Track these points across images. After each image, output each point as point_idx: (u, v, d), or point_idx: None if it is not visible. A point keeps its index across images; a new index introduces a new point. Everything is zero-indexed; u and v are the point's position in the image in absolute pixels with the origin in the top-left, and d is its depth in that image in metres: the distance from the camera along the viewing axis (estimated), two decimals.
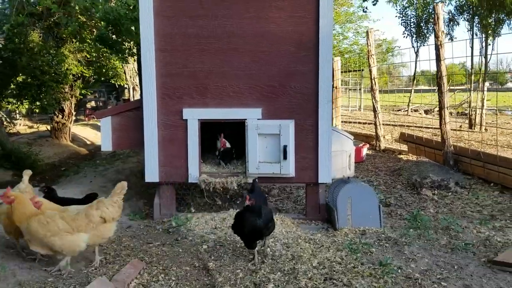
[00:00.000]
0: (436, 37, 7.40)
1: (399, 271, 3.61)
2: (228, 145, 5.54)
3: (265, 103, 4.95)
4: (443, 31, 7.46)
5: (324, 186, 5.23)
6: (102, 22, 8.43)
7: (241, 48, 4.89)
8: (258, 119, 4.93)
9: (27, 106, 12.98)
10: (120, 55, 9.25)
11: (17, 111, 19.97)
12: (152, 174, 5.09)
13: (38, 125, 18.78)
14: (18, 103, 13.29)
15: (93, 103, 28.56)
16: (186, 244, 4.29)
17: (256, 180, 4.53)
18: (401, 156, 9.51)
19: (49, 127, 15.95)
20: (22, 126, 20.09)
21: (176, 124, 5.01)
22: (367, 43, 10.27)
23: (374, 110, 10.28)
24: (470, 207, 5.88)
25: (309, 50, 4.87)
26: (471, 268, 3.70)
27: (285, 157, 4.83)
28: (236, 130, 5.44)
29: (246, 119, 4.92)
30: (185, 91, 4.97)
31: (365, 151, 9.21)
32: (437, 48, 7.43)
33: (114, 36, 8.62)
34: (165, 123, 5.01)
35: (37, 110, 16.38)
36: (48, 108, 13.26)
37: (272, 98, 4.94)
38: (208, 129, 5.47)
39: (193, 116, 4.99)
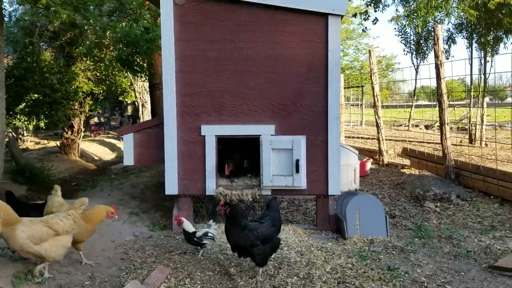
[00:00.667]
0: (436, 56, 7.78)
1: (406, 275, 3.91)
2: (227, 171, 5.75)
3: (278, 120, 5.30)
4: (442, 51, 7.85)
5: (333, 198, 5.54)
6: (120, 43, 8.82)
7: (255, 70, 5.25)
8: (272, 135, 5.27)
9: (42, 124, 13.33)
10: (139, 74, 9.62)
11: (24, 128, 20.37)
12: (171, 187, 5.41)
13: (47, 141, 19.12)
14: (30, 120, 13.65)
15: (96, 119, 28.93)
16: (206, 252, 4.59)
17: (277, 198, 4.54)
18: (404, 170, 9.83)
19: (57, 143, 16.29)
20: (29, 142, 20.45)
21: (195, 140, 5.35)
22: (369, 61, 10.67)
23: (377, 126, 10.62)
24: (471, 218, 6.18)
25: (319, 71, 5.23)
26: (473, 273, 4.00)
27: (297, 171, 5.16)
28: (250, 145, 5.76)
29: (260, 135, 5.26)
30: (203, 109, 5.32)
31: (369, 165, 9.53)
32: (437, 67, 7.80)
33: (132, 56, 9.01)
34: (184, 139, 5.35)
35: (43, 126, 16.76)
36: (59, 124, 13.63)
37: (285, 116, 5.29)
38: (225, 144, 5.80)
39: (211, 132, 5.33)
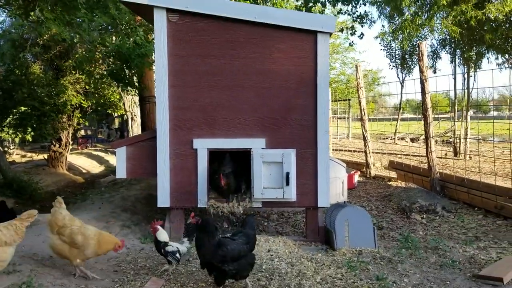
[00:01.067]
0: (421, 72, 8.02)
1: (394, 285, 4.03)
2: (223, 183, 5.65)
3: (268, 134, 5.43)
4: (427, 66, 8.09)
5: (323, 210, 5.66)
6: (111, 57, 8.93)
7: (246, 85, 5.39)
8: (263, 148, 5.39)
9: (29, 137, 13.26)
10: (129, 87, 9.71)
11: (10, 140, 20.21)
12: (164, 199, 5.48)
13: (35, 154, 18.99)
14: (18, 133, 13.60)
15: (83, 132, 28.80)
16: (198, 263, 4.65)
17: (254, 216, 4.49)
18: (391, 182, 10.01)
19: (44, 156, 16.23)
20: (15, 155, 20.27)
21: (187, 153, 5.45)
22: (356, 76, 10.91)
23: (364, 139, 10.82)
24: (456, 229, 6.34)
25: (308, 86, 5.39)
26: (458, 282, 4.13)
27: (287, 183, 5.27)
28: (240, 158, 5.87)
29: (251, 148, 5.37)
30: (195, 123, 5.43)
31: (356, 177, 9.69)
32: (422, 82, 8.04)
33: (123, 70, 9.11)
34: (176, 152, 5.45)
35: (30, 139, 16.68)
36: (47, 137, 13.61)
37: (275, 129, 5.43)
38: (216, 157, 5.89)
39: (202, 145, 5.44)
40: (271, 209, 7.28)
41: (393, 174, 10.40)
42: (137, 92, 11.01)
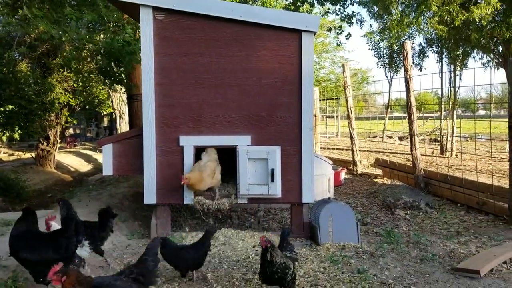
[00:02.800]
0: (406, 71, 8.15)
1: (375, 278, 4.13)
2: None
3: (254, 131, 5.50)
4: (411, 65, 8.22)
5: (307, 206, 5.75)
6: (99, 55, 8.93)
7: (232, 82, 5.46)
8: (248, 145, 5.47)
9: (17, 135, 13.18)
10: (119, 85, 9.71)
11: None
12: (150, 196, 5.54)
13: (22, 152, 18.87)
14: (5, 131, 13.52)
15: (71, 131, 28.65)
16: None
17: (166, 239, 4.13)
18: (377, 180, 10.14)
19: (32, 155, 16.15)
20: (2, 154, 20.13)
21: (173, 150, 5.50)
22: (344, 75, 11.02)
23: (351, 137, 10.95)
24: (438, 225, 6.47)
25: (293, 84, 5.47)
26: (437, 275, 4.25)
27: (272, 180, 5.35)
28: (226, 156, 5.94)
29: (237, 145, 5.45)
30: (181, 120, 5.49)
31: (343, 175, 9.81)
32: (407, 81, 8.16)
33: (112, 67, 9.11)
34: (162, 149, 5.50)
35: (17, 138, 16.56)
36: (35, 136, 13.55)
37: (261, 127, 5.50)
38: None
39: (189, 143, 5.49)
40: (258, 206, 7.36)
41: (379, 171, 10.53)
42: (123, 89, 11.01)
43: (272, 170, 5.37)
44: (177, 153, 5.51)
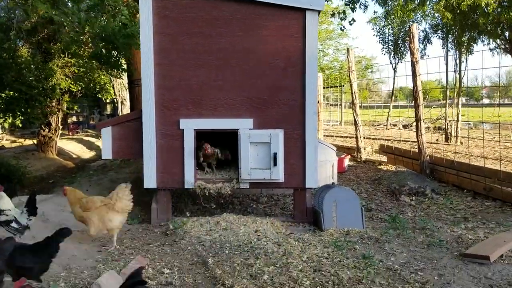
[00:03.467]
0: (412, 54, 7.96)
1: (381, 263, 4.01)
2: (210, 150, 5.66)
3: (256, 114, 5.35)
4: (418, 48, 8.02)
5: (311, 191, 5.62)
6: (96, 39, 8.76)
7: (233, 63, 5.30)
8: (250, 128, 5.32)
9: (19, 122, 13.08)
10: (115, 70, 9.54)
11: None
12: (150, 180, 5.42)
13: (24, 139, 18.82)
14: (6, 117, 13.42)
15: (74, 118, 28.56)
16: (184, 244, 4.61)
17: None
18: (381, 166, 10.00)
19: (34, 141, 16.07)
20: (5, 140, 20.07)
21: (173, 133, 5.37)
22: (348, 60, 10.82)
23: (355, 124, 10.78)
24: (445, 211, 6.34)
25: (297, 66, 5.30)
26: (444, 260, 4.12)
27: (275, 164, 5.22)
28: (228, 139, 5.81)
29: (238, 129, 5.30)
30: (181, 102, 5.34)
31: (347, 161, 9.67)
32: (413, 64, 7.98)
33: (109, 52, 8.93)
34: (162, 132, 5.36)
35: (20, 125, 16.43)
36: (36, 122, 13.43)
37: (263, 110, 5.35)
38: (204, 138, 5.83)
39: (189, 126, 5.35)
40: (260, 192, 7.24)
41: (383, 158, 10.39)
42: (122, 74, 10.83)
43: (275, 154, 5.23)
44: (177, 137, 5.38)
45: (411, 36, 7.95)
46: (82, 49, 11.18)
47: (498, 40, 15.16)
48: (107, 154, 5.55)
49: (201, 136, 5.59)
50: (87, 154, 17.04)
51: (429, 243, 4.63)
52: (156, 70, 5.28)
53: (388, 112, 21.87)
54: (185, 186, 5.44)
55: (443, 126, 17.34)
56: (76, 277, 3.70)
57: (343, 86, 27.43)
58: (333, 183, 5.70)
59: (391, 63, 23.43)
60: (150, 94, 5.29)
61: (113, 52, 8.98)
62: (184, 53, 5.28)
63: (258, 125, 5.35)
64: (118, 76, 11.69)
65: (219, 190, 5.40)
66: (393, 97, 23.58)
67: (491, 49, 16.95)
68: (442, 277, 3.73)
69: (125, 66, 10.10)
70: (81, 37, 9.17)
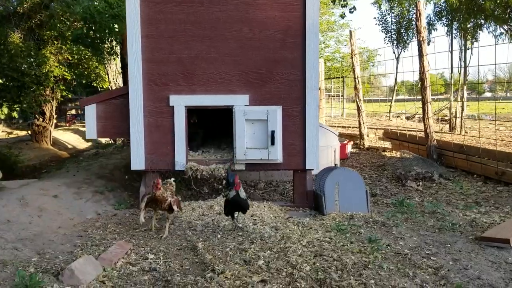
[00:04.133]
0: (419, 32, 7.53)
1: (388, 247, 3.62)
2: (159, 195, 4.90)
3: (252, 90, 4.94)
4: (425, 27, 7.59)
5: (311, 173, 5.22)
6: (81, 21, 8.31)
7: (227, 34, 4.88)
8: (246, 105, 4.91)
9: (6, 111, 12.67)
10: (99, 53, 9.09)
11: None
12: (138, 162, 5.02)
13: (18, 131, 18.47)
14: None
15: (73, 111, 28.12)
16: (173, 229, 4.23)
17: None
18: (385, 153, 9.58)
19: (28, 132, 15.69)
20: (1, 132, 19.71)
21: (162, 111, 4.96)
22: (350, 43, 10.39)
23: (358, 109, 10.35)
24: (454, 196, 5.93)
25: (296, 37, 4.89)
26: (459, 245, 3.73)
27: (272, 143, 4.81)
28: (223, 117, 5.41)
29: (233, 106, 4.90)
30: (171, 77, 4.93)
31: (349, 148, 9.25)
32: (420, 44, 7.55)
33: (92, 34, 8.47)
34: (151, 110, 4.96)
35: (16, 115, 16.00)
36: (28, 110, 13.00)
37: (260, 85, 4.94)
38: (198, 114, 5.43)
39: (180, 103, 4.95)
40: (259, 178, 6.85)
41: (387, 145, 9.97)
42: (107, 57, 10.35)
43: (272, 133, 4.82)
44: (167, 114, 4.97)
45: (418, 14, 7.52)
46: (68, 29, 10.73)
47: (505, 25, 14.71)
48: (91, 133, 5.16)
49: (193, 113, 5.19)
50: (83, 144, 16.65)
51: (441, 227, 4.24)
52: (144, 42, 4.87)
53: (391, 103, 21.44)
54: (176, 167, 5.04)
55: (446, 118, 16.92)
56: (49, 262, 3.32)
57: (345, 77, 27.00)
58: (335, 165, 5.29)
59: (394, 53, 22.95)
60: (137, 69, 4.88)
61: (98, 34, 8.48)
62: (173, 23, 4.86)
63: (254, 101, 4.94)
64: (106, 60, 11.23)
65: (213, 172, 5.00)
66: (395, 89, 23.06)
67: (495, 36, 16.51)
68: (458, 262, 3.34)
69: (116, 51, 9.65)
70: (70, 18, 8.70)
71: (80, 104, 5.68)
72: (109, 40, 9.23)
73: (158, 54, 4.90)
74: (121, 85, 14.32)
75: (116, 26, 7.68)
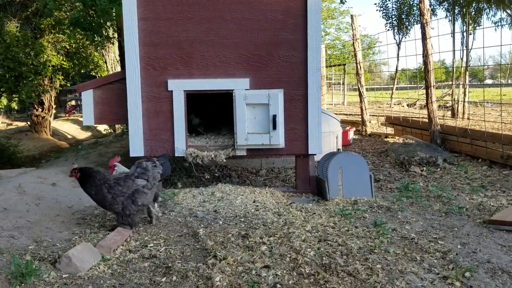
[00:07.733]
0: (422, 15, 7.37)
1: (394, 232, 3.53)
2: None
3: (253, 73, 4.82)
4: (428, 9, 7.43)
5: (314, 158, 5.12)
6: (78, 4, 8.14)
7: (227, 16, 4.75)
8: (246, 89, 4.79)
9: (5, 102, 12.55)
10: (96, 38, 8.95)
11: None
12: (137, 148, 4.92)
13: (18, 122, 18.39)
14: None
15: (73, 102, 28.02)
16: (174, 216, 4.14)
17: None
18: (388, 139, 9.47)
19: (27, 123, 15.61)
20: (0, 123, 19.61)
21: (161, 96, 4.84)
22: (352, 27, 10.23)
23: (360, 95, 10.22)
24: (459, 180, 5.83)
25: (298, 18, 4.75)
26: (466, 228, 3.63)
27: (274, 127, 4.70)
28: (223, 101, 5.30)
29: (233, 90, 4.77)
30: (169, 61, 4.81)
31: (351, 134, 9.14)
32: (423, 26, 7.40)
33: (90, 18, 8.31)
34: (149, 95, 4.84)
35: (15, 107, 15.89)
36: (27, 100, 12.90)
37: (260, 68, 4.82)
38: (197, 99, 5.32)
39: (178, 87, 4.83)
40: (260, 165, 6.75)
41: (390, 131, 9.86)
42: (105, 42, 10.19)
43: (274, 117, 4.71)
44: (165, 99, 4.85)
45: None
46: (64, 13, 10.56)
47: (508, 10, 14.51)
48: (88, 120, 5.04)
49: (193, 98, 5.07)
50: (82, 134, 16.59)
51: (447, 210, 4.14)
52: (140, 25, 4.74)
53: (392, 91, 21.25)
54: (176, 154, 4.93)
55: (448, 105, 16.75)
56: (47, 250, 3.22)
57: (345, 65, 26.79)
58: (338, 149, 5.18)
59: (395, 39, 22.70)
60: (134, 52, 4.75)
61: (94, 18, 8.30)
62: (170, 4, 4.72)
63: (255, 85, 4.82)
64: (103, 45, 11.06)
65: (214, 158, 4.90)
66: (397, 75, 22.85)
67: (495, 23, 16.35)
68: (466, 245, 3.24)
69: (112, 35, 9.48)
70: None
71: (76, 89, 5.56)
72: (108, 25, 9.05)
73: (155, 37, 4.77)
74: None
75: (113, 10, 7.50)
